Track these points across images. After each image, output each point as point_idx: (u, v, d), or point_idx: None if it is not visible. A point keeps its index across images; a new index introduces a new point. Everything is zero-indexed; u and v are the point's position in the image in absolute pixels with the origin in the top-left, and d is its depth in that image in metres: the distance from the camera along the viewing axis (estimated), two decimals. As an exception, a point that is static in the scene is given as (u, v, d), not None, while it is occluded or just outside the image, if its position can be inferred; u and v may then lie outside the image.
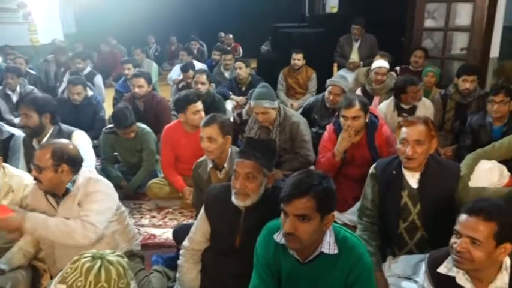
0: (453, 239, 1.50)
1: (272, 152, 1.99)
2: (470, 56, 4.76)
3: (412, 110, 3.62)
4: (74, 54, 5.83)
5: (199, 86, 4.28)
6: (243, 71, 4.97)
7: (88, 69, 5.63)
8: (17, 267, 2.15)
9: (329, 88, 3.65)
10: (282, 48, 5.86)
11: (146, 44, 9.14)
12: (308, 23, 6.87)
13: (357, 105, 2.73)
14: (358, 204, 2.45)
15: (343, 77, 3.77)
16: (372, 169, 2.28)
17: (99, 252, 1.25)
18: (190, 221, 2.94)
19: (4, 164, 2.33)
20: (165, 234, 2.91)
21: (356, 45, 5.71)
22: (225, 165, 2.48)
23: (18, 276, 2.12)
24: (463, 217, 1.48)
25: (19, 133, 3.22)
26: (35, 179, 1.97)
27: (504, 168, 2.80)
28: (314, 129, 3.77)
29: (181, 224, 2.86)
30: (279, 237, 1.59)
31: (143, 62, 6.42)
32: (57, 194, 2.02)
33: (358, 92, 4.12)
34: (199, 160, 2.60)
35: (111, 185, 2.16)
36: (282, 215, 1.52)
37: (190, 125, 3.16)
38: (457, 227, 1.49)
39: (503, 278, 1.49)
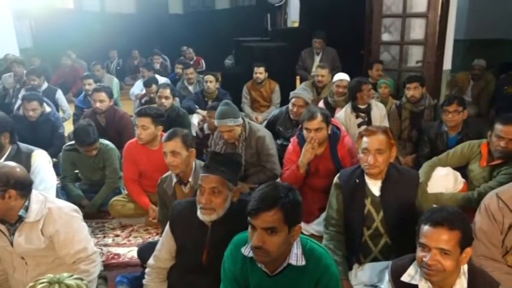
0: (420, 253, 1.52)
1: (237, 165, 1.99)
2: (425, 68, 4.99)
3: (368, 110, 3.83)
4: (29, 70, 5.58)
5: (163, 100, 4.24)
6: (213, 85, 4.99)
7: (45, 85, 5.43)
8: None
9: (293, 100, 3.71)
10: (245, 61, 5.92)
11: (107, 58, 8.98)
12: (270, 37, 6.98)
13: (319, 117, 2.79)
14: (324, 215, 2.48)
15: (305, 90, 3.85)
16: (336, 179, 2.32)
17: (56, 277, 1.20)
18: (156, 238, 2.88)
19: None
20: (130, 253, 2.82)
21: (317, 58, 5.86)
22: (190, 179, 2.46)
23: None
24: (427, 229, 1.50)
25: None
26: None
27: (458, 174, 2.92)
28: (279, 141, 3.82)
29: (147, 242, 2.79)
30: (246, 251, 1.58)
31: (104, 77, 6.28)
32: (8, 221, 1.91)
33: (321, 104, 4.21)
34: (163, 175, 2.56)
35: (71, 204, 2.08)
36: (249, 228, 1.52)
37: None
38: (423, 240, 1.51)
39: (462, 283, 1.55)
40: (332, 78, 4.53)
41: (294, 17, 7.99)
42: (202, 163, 2.27)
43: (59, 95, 5.34)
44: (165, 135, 2.54)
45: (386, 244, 2.18)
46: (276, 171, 3.20)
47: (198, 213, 1.85)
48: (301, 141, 2.92)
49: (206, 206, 1.82)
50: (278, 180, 3.07)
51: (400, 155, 3.78)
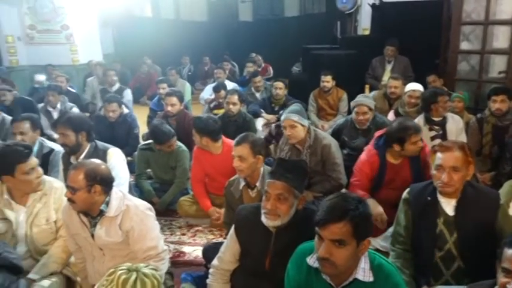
0: (504, 278, 1.41)
1: (303, 173, 1.98)
2: (508, 80, 4.63)
3: (443, 122, 3.59)
4: (108, 68, 6.08)
5: (231, 106, 4.35)
6: (282, 91, 5.06)
7: (117, 85, 5.88)
8: (51, 274, 2.22)
9: (355, 109, 3.64)
10: (313, 69, 5.89)
11: (180, 64, 9.41)
12: (340, 45, 6.89)
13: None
14: (391, 230, 2.39)
15: (366, 96, 3.77)
16: (405, 194, 2.23)
17: (134, 265, 1.27)
18: (220, 239, 2.95)
19: None
20: (195, 252, 2.93)
21: (389, 67, 5.67)
22: (257, 184, 2.49)
23: (51, 283, 2.18)
24: None
25: (59, 148, 3.35)
26: (69, 200, 2.00)
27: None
28: (345, 151, 3.74)
29: (211, 242, 2.87)
30: (312, 261, 1.57)
31: (177, 81, 6.60)
32: (91, 214, 2.06)
33: (391, 115, 4.07)
34: (231, 178, 2.62)
35: (146, 203, 2.21)
36: (316, 238, 1.50)
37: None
38: (507, 265, 1.40)
39: None
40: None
41: (364, 24, 7.82)
42: (270, 169, 2.30)
43: (126, 93, 5.78)
44: (235, 139, 2.60)
45: (460, 268, 2.04)
46: (341, 181, 3.14)
47: (262, 218, 1.86)
48: (381, 152, 2.82)
49: (271, 212, 1.84)
50: (344, 190, 3.02)
51: (478, 172, 3.53)
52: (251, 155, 2.45)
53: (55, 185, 2.36)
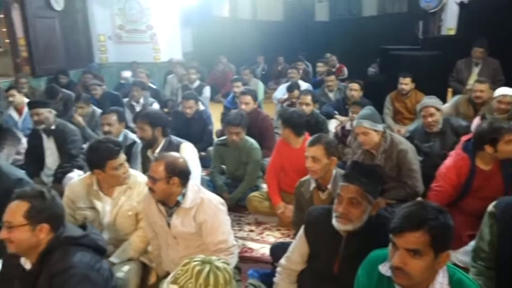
0: None
1: (378, 178, 1.92)
2: None
3: None
4: (189, 66, 6.39)
5: (304, 106, 4.33)
6: (357, 93, 4.96)
7: (197, 82, 6.13)
8: (129, 260, 2.39)
9: (422, 112, 3.46)
10: (391, 70, 5.65)
11: (254, 63, 9.56)
12: (421, 45, 6.54)
13: None
14: (472, 244, 2.23)
15: (431, 97, 3.55)
16: (491, 207, 2.05)
17: (208, 258, 1.32)
18: (288, 239, 2.96)
19: None
20: (262, 249, 2.97)
21: (476, 70, 5.26)
22: (329, 186, 2.46)
23: (130, 268, 2.35)
24: None
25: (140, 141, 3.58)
26: (150, 189, 2.13)
27: None
28: (420, 158, 3.55)
29: (279, 241, 2.89)
30: (384, 269, 1.51)
31: (250, 81, 6.72)
32: (168, 204, 2.18)
33: (477, 121, 3.78)
34: (303, 179, 2.62)
35: (219, 198, 2.28)
36: (390, 246, 1.45)
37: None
38: None
39: None
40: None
41: (450, 23, 7.36)
42: (343, 171, 2.26)
43: (205, 90, 6.07)
44: (309, 139, 2.59)
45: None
46: (417, 189, 2.98)
47: (334, 221, 1.83)
48: (471, 157, 2.62)
49: (343, 216, 1.80)
50: (419, 198, 2.87)
51: None
52: (325, 156, 2.43)
53: (139, 180, 2.52)
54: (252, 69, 7.78)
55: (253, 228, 3.33)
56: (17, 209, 1.71)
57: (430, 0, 7.24)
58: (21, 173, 2.65)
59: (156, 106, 5.44)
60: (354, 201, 1.79)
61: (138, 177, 2.55)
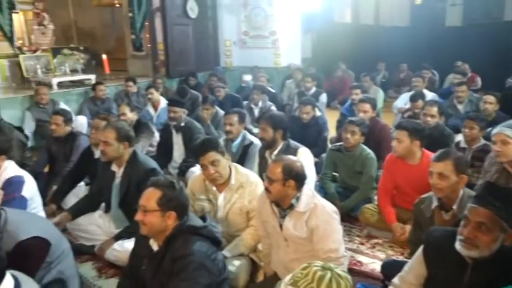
0: None
1: (517, 204, 1.69)
2: None
3: None
4: (306, 74, 6.46)
5: (428, 118, 4.03)
6: (492, 107, 4.46)
7: (313, 89, 6.15)
8: (240, 255, 2.51)
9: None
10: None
11: (375, 70, 9.24)
12: None
13: None
14: None
15: None
16: None
17: (327, 264, 1.31)
18: (401, 258, 2.79)
19: (235, 164, 2.75)
20: (372, 264, 2.84)
21: None
22: (454, 207, 2.25)
23: (241, 263, 2.47)
24: None
25: (257, 142, 3.73)
26: (266, 189, 2.19)
27: None
28: None
29: (391, 259, 2.74)
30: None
31: (370, 88, 6.51)
32: (282, 205, 2.22)
33: None
34: (423, 196, 2.44)
35: (332, 206, 2.25)
36: None
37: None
38: None
39: None
40: None
41: None
42: (472, 192, 2.05)
43: (322, 97, 6.05)
44: (434, 154, 2.40)
45: None
46: None
47: (457, 244, 1.67)
48: None
49: (467, 240, 1.63)
50: None
51: None
52: (453, 173, 2.22)
53: (251, 179, 2.63)
54: (372, 76, 7.52)
55: (363, 241, 3.21)
56: (151, 196, 1.91)
57: None
58: (154, 164, 2.96)
59: (274, 110, 5.60)
60: (482, 227, 1.61)
61: (250, 176, 2.66)
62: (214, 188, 2.63)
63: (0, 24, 5.75)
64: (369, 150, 3.54)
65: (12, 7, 6.13)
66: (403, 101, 5.81)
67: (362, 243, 3.17)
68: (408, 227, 2.81)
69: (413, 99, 4.99)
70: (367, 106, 4.22)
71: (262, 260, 2.57)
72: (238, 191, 2.60)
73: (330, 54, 9.54)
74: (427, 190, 2.43)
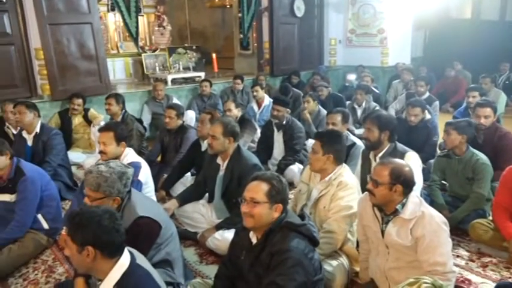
0: None
1: None
2: None
3: None
4: (419, 77, 6.01)
5: None
6: None
7: (427, 94, 5.67)
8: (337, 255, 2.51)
9: None
10: None
11: (497, 71, 8.31)
12: None
13: None
14: None
15: None
16: None
17: (438, 282, 1.23)
18: (518, 282, 2.48)
19: (345, 165, 2.70)
20: (483, 285, 2.57)
21: None
22: None
23: (338, 264, 2.45)
24: None
25: (360, 143, 3.62)
26: (369, 191, 2.11)
27: None
28: None
29: (508, 281, 2.45)
30: None
31: (490, 91, 5.88)
32: (385, 210, 2.12)
33: None
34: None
35: (442, 216, 2.10)
36: None
37: None
38: None
39: None
40: None
41: None
42: None
43: (434, 106, 5.49)
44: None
45: None
46: None
47: None
48: None
49: None
50: None
51: None
52: None
53: (341, 179, 2.56)
54: (493, 77, 6.78)
55: (473, 258, 2.91)
56: (260, 188, 1.95)
57: None
58: (257, 160, 3.05)
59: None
60: None
61: (344, 177, 2.58)
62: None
63: (128, 26, 6.41)
64: (481, 155, 3.21)
65: (139, 10, 6.80)
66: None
67: (472, 260, 2.89)
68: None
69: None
70: (488, 110, 3.81)
71: (356, 264, 2.50)
72: (328, 187, 2.58)
73: (444, 53, 8.83)
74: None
